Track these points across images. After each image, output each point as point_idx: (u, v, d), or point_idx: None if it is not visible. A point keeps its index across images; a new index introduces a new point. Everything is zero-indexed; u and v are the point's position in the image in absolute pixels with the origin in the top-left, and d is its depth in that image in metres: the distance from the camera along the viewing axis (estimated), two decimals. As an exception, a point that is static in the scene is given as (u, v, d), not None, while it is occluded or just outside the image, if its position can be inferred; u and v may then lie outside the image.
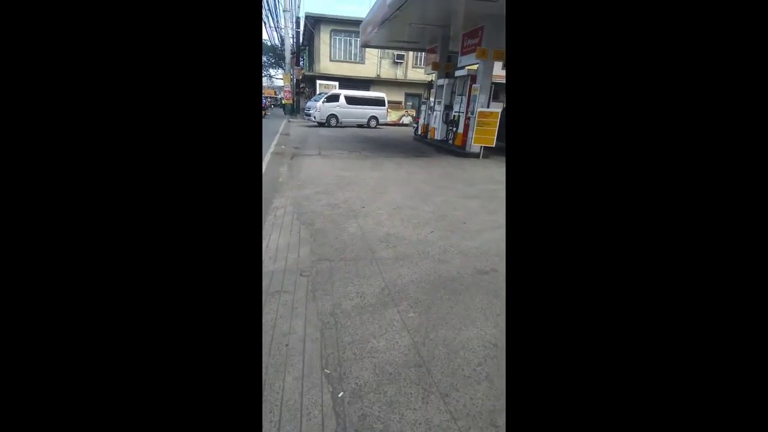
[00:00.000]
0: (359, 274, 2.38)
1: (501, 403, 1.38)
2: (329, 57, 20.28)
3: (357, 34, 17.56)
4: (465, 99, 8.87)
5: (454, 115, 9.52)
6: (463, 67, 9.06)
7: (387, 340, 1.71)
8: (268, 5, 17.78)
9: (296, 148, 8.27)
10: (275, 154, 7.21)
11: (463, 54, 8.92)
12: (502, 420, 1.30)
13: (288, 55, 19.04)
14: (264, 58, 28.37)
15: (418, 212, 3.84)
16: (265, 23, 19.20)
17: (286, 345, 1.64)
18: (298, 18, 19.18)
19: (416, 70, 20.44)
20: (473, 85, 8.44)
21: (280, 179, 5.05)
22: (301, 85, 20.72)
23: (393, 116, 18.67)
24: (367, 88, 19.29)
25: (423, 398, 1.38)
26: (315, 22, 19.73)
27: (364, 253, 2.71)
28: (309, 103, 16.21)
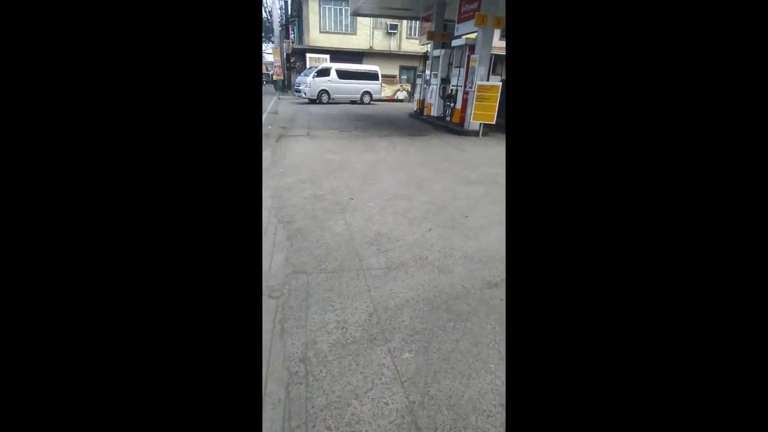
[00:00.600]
0: (342, 292, 1.95)
1: None
2: (319, 28, 19.09)
3: (347, 2, 16.43)
4: (463, 71, 8.21)
5: (452, 90, 8.88)
6: (460, 36, 8.34)
7: (373, 401, 1.29)
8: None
9: (283, 128, 7.66)
10: (258, 136, 6.62)
11: (460, 21, 8.18)
12: None
13: (276, 27, 17.89)
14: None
15: (414, 204, 3.39)
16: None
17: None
18: (283, -15, 17.93)
19: (411, 40, 19.35)
20: (471, 56, 7.77)
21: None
22: (292, 60, 19.63)
23: (387, 91, 17.79)
24: (359, 61, 18.31)
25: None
26: (302, -11, 18.47)
27: (350, 262, 2.27)
28: (299, 78, 15.33)
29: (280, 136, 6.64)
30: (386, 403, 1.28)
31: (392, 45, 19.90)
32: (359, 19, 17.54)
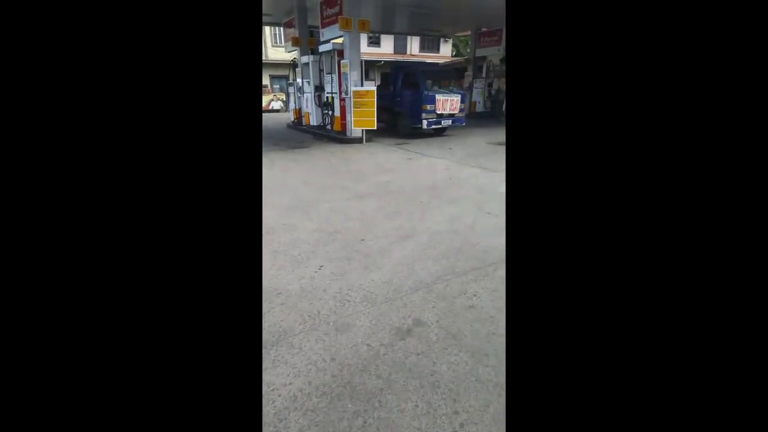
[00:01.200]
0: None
1: None
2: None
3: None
4: (335, 78, 7.88)
5: (327, 97, 8.48)
6: (327, 41, 8.01)
7: None
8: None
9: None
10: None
11: (323, 26, 7.84)
12: None
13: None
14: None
15: (300, 235, 2.80)
16: None
17: None
18: None
19: (277, 48, 18.39)
20: (342, 61, 7.49)
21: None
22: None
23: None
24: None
25: None
26: None
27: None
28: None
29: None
30: None
31: (258, 54, 18.63)
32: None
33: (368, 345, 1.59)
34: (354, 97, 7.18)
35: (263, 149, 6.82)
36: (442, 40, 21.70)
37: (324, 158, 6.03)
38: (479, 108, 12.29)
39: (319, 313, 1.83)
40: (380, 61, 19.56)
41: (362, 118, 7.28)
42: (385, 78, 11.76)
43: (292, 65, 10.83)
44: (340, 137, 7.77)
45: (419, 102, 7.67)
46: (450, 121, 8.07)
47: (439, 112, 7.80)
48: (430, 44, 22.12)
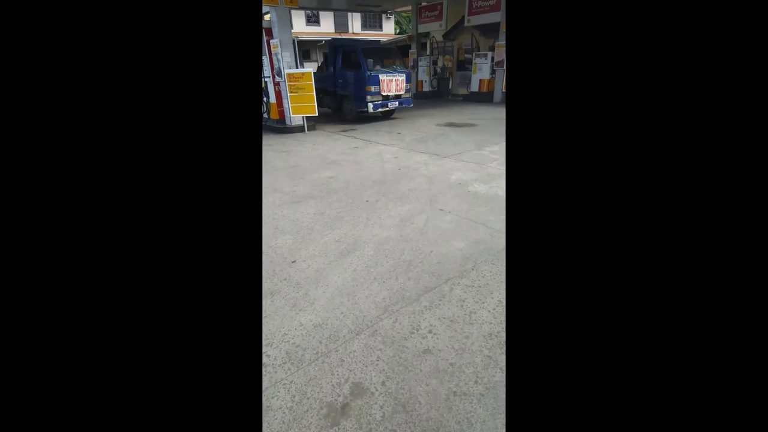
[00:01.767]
0: None
1: None
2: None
3: None
4: (267, 60, 7.05)
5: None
6: (253, 19, 7.08)
7: None
8: None
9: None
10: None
11: (248, 0, 6.90)
12: None
13: None
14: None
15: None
16: None
17: None
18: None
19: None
20: (271, 41, 6.68)
21: None
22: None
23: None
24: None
25: None
26: None
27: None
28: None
29: None
30: None
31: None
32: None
33: (288, 440, 1.14)
34: (289, 81, 6.45)
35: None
36: (384, 16, 20.87)
37: (259, 153, 5.35)
38: (426, 87, 11.91)
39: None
40: (321, 41, 18.45)
41: (301, 104, 6.59)
42: (324, 59, 10.93)
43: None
44: (280, 127, 7.03)
45: (362, 83, 7.10)
46: (397, 102, 7.62)
47: (384, 93, 7.30)
48: (372, 21, 21.19)
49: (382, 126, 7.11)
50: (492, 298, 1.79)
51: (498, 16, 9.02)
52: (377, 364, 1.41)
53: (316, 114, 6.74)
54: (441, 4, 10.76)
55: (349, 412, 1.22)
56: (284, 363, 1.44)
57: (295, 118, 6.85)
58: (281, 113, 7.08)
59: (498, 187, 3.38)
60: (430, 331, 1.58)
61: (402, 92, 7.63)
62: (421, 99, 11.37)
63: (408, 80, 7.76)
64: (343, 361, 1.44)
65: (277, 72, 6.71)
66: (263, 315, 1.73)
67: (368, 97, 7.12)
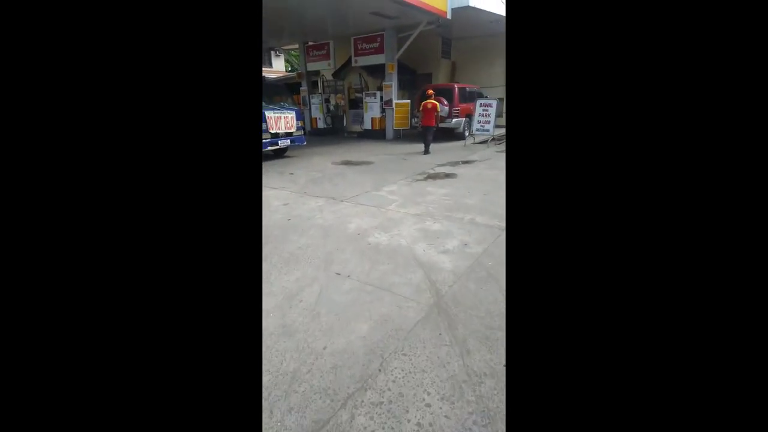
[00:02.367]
0: None
1: None
2: None
3: None
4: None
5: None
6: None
7: None
8: None
9: None
10: None
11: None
12: None
13: None
14: None
15: None
16: None
17: None
18: None
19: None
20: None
21: None
22: None
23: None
24: None
25: None
26: None
27: None
28: None
29: None
30: None
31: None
32: None
33: None
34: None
35: None
36: (273, 54, 20.49)
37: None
38: (321, 124, 11.64)
39: None
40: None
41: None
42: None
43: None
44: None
45: (246, 121, 6.35)
46: (288, 140, 7.04)
47: (272, 131, 6.67)
48: (262, 58, 20.60)
49: (274, 166, 6.41)
50: (408, 422, 1.27)
51: (383, 58, 9.32)
52: None
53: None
54: (328, 43, 10.79)
55: None
56: None
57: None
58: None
59: (400, 236, 3.00)
60: None
61: (293, 130, 7.11)
62: (318, 136, 11.01)
63: (299, 117, 7.30)
64: None
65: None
66: None
67: (254, 136, 6.38)
